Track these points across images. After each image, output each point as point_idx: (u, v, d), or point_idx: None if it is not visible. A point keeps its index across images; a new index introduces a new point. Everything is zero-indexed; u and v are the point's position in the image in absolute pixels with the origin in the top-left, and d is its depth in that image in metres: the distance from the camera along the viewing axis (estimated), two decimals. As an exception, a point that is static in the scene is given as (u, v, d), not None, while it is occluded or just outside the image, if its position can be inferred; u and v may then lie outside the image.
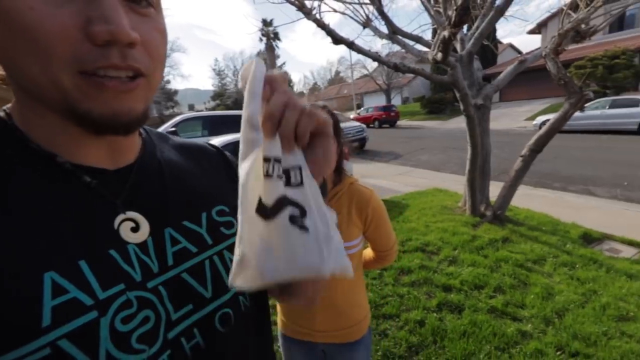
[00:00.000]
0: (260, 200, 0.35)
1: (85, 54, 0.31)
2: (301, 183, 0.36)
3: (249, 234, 0.35)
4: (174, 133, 6.29)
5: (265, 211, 0.35)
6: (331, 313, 1.08)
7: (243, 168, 0.36)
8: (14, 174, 0.35)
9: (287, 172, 0.36)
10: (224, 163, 0.57)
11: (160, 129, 6.38)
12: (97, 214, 0.38)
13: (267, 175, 0.35)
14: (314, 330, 1.09)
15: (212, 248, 0.47)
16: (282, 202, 0.35)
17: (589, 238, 3.54)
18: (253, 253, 0.35)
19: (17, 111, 0.38)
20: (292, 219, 0.35)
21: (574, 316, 2.24)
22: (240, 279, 0.36)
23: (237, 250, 0.36)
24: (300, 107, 0.35)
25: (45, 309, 0.31)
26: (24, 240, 0.32)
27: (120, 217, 0.39)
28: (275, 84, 0.35)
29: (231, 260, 0.47)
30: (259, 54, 44.12)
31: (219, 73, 44.26)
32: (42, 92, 0.33)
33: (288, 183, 0.36)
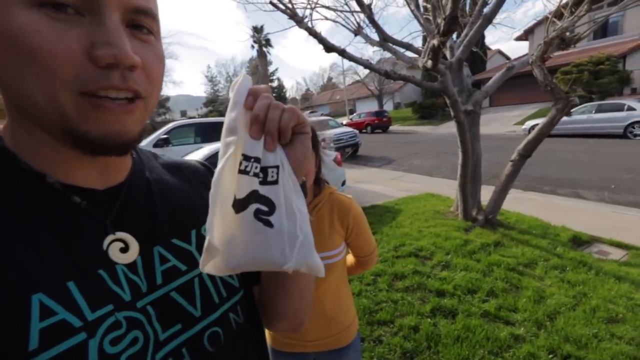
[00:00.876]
0: (235, 196, 0.38)
1: (88, 75, 0.32)
2: (276, 182, 0.40)
3: (218, 224, 0.38)
4: (166, 140, 6.24)
5: (236, 205, 0.38)
6: (321, 321, 1.09)
7: (218, 166, 0.39)
8: (3, 194, 0.35)
9: (265, 171, 0.39)
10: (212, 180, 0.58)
11: (153, 136, 6.32)
12: (86, 234, 0.38)
13: (244, 172, 0.38)
14: (306, 340, 1.10)
15: None
16: (252, 197, 0.38)
17: (579, 241, 3.60)
18: (219, 242, 0.38)
19: (8, 132, 0.38)
20: (258, 214, 0.38)
21: (565, 319, 2.27)
22: (208, 266, 0.39)
23: (207, 238, 0.38)
24: (282, 106, 0.40)
25: (33, 332, 0.31)
26: (13, 261, 0.32)
27: (110, 237, 0.39)
28: (257, 93, 0.39)
29: (220, 278, 0.48)
30: (251, 60, 44.29)
31: (212, 79, 44.19)
32: (39, 112, 0.33)
33: (265, 181, 0.39)
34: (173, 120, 8.90)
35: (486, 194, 4.30)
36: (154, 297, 0.41)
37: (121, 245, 0.40)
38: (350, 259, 1.25)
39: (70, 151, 0.35)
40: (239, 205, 0.38)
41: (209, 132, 6.84)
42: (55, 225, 0.36)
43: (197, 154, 4.52)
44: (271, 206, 0.39)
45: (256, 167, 0.39)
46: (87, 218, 0.38)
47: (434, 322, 2.31)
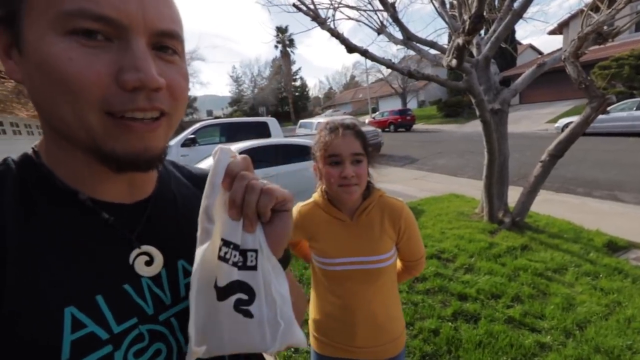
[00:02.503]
0: (215, 281, 0.39)
1: (115, 98, 0.34)
2: (255, 267, 0.39)
3: (201, 314, 0.39)
4: (193, 140, 6.48)
5: (217, 291, 0.39)
6: (371, 328, 1.06)
7: (197, 255, 0.39)
8: (39, 210, 0.37)
9: (244, 255, 0.39)
10: None
11: (181, 136, 6.58)
12: (113, 249, 0.40)
13: (224, 259, 0.38)
14: (354, 346, 1.06)
15: None
16: (233, 287, 0.39)
17: (614, 246, 3.40)
18: (203, 330, 0.39)
19: (44, 149, 0.41)
20: (238, 305, 0.39)
21: (596, 328, 2.16)
22: (193, 355, 0.39)
23: (191, 332, 0.38)
24: (258, 188, 0.39)
25: (65, 344, 0.33)
26: (47, 275, 0.34)
27: (135, 251, 0.41)
28: (233, 172, 0.39)
29: None
30: (274, 60, 44.78)
31: (237, 80, 45.16)
32: (70, 131, 0.35)
33: (244, 265, 0.39)
34: (200, 120, 9.21)
35: (514, 195, 4.15)
36: (177, 310, 0.43)
37: (146, 258, 0.42)
38: (397, 264, 1.20)
39: (100, 167, 0.38)
40: (220, 293, 0.39)
41: (233, 132, 7.04)
42: (86, 241, 0.38)
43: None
44: (251, 294, 0.39)
45: (235, 256, 0.39)
46: (114, 233, 0.41)
47: (455, 326, 2.27)
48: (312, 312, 1.15)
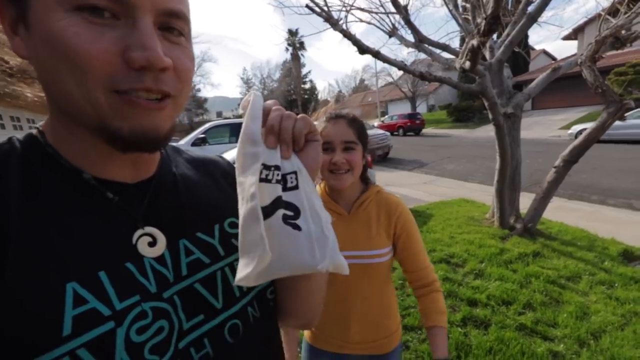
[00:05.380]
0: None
1: (122, 76, 0.34)
2: (297, 187, 0.42)
3: (249, 237, 0.39)
4: (203, 139, 6.55)
5: (263, 212, 0.39)
6: (366, 324, 1.06)
7: (247, 182, 0.39)
8: (43, 188, 0.37)
9: (284, 178, 0.41)
10: (234, 176, 0.60)
11: (191, 136, 6.65)
12: (116, 228, 0.40)
13: (266, 180, 0.40)
14: (348, 341, 1.06)
15: (224, 259, 0.48)
16: (278, 203, 0.40)
17: (630, 256, 3.30)
18: (253, 253, 0.38)
19: (50, 129, 0.41)
20: (285, 219, 0.40)
21: (611, 339, 2.10)
22: (243, 280, 0.39)
23: (240, 253, 0.39)
24: (294, 116, 0.43)
25: (66, 318, 0.32)
26: (50, 251, 0.34)
27: (139, 232, 0.41)
28: (269, 107, 0.43)
29: None
30: (285, 63, 45.11)
31: (247, 81, 45.63)
32: (77, 108, 0.35)
33: (285, 187, 0.41)
34: (210, 121, 9.30)
35: (526, 201, 4.08)
36: (179, 287, 0.42)
37: (149, 239, 0.41)
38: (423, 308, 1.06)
39: (106, 147, 0.37)
40: (266, 211, 0.39)
41: (243, 132, 7.09)
42: (90, 218, 0.38)
43: (232, 153, 4.70)
44: (296, 211, 0.40)
45: (277, 175, 0.41)
46: (118, 212, 0.41)
47: (465, 331, 2.23)
48: None
